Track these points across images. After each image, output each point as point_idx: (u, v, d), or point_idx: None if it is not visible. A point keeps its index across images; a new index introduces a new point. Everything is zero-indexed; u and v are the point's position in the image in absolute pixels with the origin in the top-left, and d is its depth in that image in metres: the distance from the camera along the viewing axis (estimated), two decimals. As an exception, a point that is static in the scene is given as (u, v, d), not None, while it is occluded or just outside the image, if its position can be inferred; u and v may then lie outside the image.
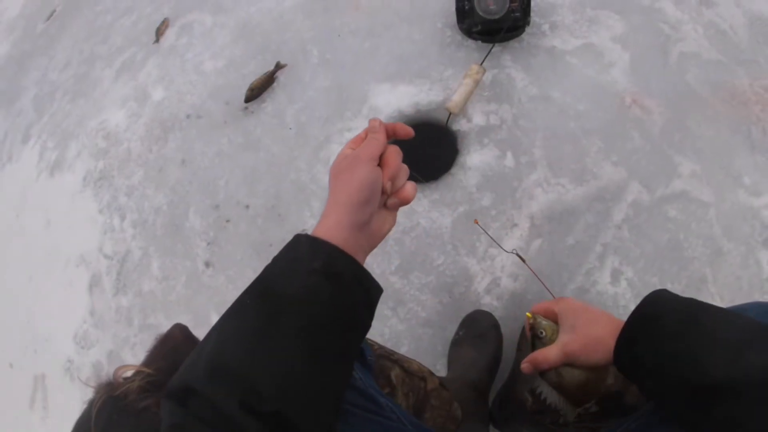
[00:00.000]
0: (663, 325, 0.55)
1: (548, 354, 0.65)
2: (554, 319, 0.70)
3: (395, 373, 0.82)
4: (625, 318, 0.61)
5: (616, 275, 1.20)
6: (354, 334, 0.54)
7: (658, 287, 1.08)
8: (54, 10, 3.14)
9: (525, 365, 0.68)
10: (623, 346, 0.58)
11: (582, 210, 1.27)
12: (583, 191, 1.29)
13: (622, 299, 1.17)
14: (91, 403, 0.61)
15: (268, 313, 0.49)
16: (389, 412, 0.64)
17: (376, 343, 0.85)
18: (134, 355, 1.62)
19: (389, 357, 0.85)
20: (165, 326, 1.60)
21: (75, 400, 1.68)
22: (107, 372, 1.47)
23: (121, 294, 1.74)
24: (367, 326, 0.56)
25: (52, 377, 1.81)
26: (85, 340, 1.77)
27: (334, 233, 0.54)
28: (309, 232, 0.57)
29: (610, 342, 0.59)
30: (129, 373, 0.64)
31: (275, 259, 0.55)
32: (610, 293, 1.17)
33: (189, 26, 2.20)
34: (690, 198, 1.27)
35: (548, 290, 0.89)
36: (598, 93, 1.44)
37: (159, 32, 2.23)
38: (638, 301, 0.59)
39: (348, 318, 0.52)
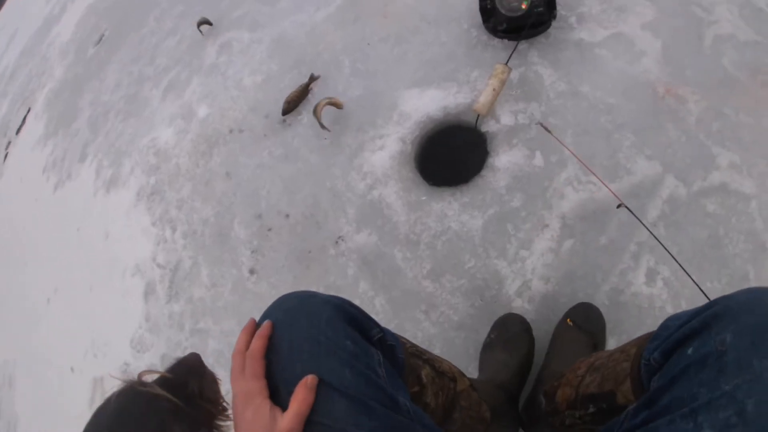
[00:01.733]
0: None
1: None
2: None
3: (425, 372, 0.88)
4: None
5: (651, 275, 1.19)
6: None
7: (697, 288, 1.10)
8: (102, 35, 3.42)
9: None
10: None
11: (615, 208, 1.24)
12: (616, 188, 1.27)
13: (658, 300, 1.16)
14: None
15: None
16: (405, 411, 0.67)
17: (408, 341, 0.88)
18: None
19: (420, 356, 0.91)
20: (213, 330, 1.76)
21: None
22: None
23: (173, 301, 1.89)
24: None
25: (110, 379, 1.99)
26: (141, 345, 1.92)
27: None
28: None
29: None
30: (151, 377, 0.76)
31: None
32: (646, 294, 1.16)
33: (228, 44, 2.36)
34: (729, 191, 1.23)
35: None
36: (629, 85, 1.44)
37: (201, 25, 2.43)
38: (677, 302, 0.59)
39: None
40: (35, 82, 3.93)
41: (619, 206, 1.09)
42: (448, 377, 0.92)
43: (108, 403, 0.72)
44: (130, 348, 1.94)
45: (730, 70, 1.37)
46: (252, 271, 1.73)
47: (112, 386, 0.76)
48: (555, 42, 1.57)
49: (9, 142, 3.66)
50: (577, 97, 1.46)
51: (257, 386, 0.63)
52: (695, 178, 1.27)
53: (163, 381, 0.74)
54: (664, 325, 0.65)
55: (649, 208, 1.25)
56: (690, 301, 1.11)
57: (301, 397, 0.60)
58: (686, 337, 0.58)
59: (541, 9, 1.50)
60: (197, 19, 2.48)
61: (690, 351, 0.56)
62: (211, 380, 0.81)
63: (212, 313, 1.77)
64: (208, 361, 1.71)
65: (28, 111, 3.65)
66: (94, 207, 2.52)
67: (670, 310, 1.12)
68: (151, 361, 1.87)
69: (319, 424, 0.59)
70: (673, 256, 0.79)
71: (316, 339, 0.65)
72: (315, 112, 1.71)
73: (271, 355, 0.66)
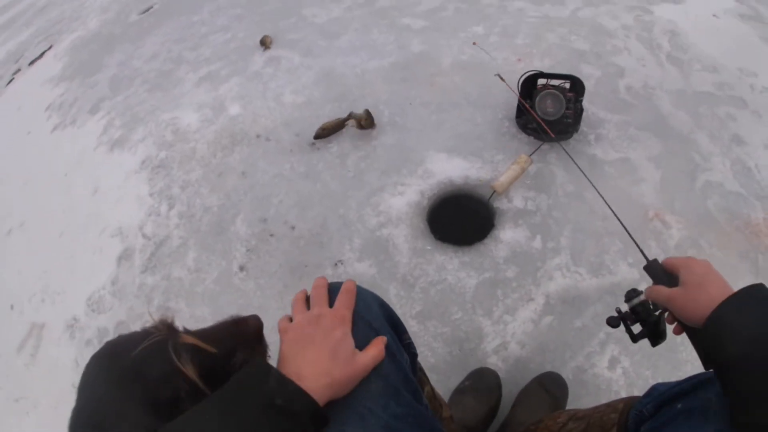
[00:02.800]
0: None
1: (661, 290, 0.77)
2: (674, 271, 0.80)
3: (427, 389, 0.99)
4: None
5: (613, 363, 1.35)
6: None
7: (651, 381, 1.30)
8: (151, 6, 3.57)
9: (649, 289, 0.82)
10: (729, 307, 0.65)
11: (593, 299, 1.47)
12: (598, 283, 1.50)
13: (616, 385, 1.31)
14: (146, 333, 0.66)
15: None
16: (425, 407, 0.77)
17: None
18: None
19: (426, 376, 1.04)
20: (183, 312, 1.81)
21: (68, 357, 1.80)
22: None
23: (149, 273, 1.91)
24: None
25: (52, 329, 1.93)
26: (99, 305, 1.91)
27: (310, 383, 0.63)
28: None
29: (706, 309, 0.66)
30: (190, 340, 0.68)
31: (233, 387, 0.61)
32: (606, 377, 1.33)
33: (277, 59, 2.55)
34: None
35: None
36: (626, 202, 1.70)
37: (265, 42, 2.61)
38: (630, 389, 0.74)
39: None
40: (65, 25, 3.97)
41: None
42: (439, 402, 1.06)
43: (127, 349, 0.63)
44: (85, 305, 1.92)
45: (713, 211, 1.67)
46: (242, 268, 1.81)
47: (143, 322, 0.74)
48: (573, 151, 1.84)
49: (18, 69, 3.64)
50: (581, 200, 1.71)
51: (349, 316, 0.72)
52: (666, 292, 1.51)
53: (197, 353, 0.65)
54: (654, 387, 0.81)
55: (622, 306, 1.44)
56: (642, 390, 1.28)
57: (380, 346, 0.70)
58: (677, 394, 0.73)
59: (570, 120, 1.78)
60: (253, 26, 2.69)
61: (680, 405, 0.71)
62: (262, 353, 0.74)
63: (188, 296, 1.80)
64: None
65: (49, 48, 3.67)
66: (91, 160, 2.53)
67: (624, 395, 1.30)
68: (105, 324, 1.85)
69: (353, 396, 0.67)
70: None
71: (368, 322, 0.75)
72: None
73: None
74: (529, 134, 1.90)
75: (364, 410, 0.67)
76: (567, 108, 1.80)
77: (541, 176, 1.78)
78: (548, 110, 1.80)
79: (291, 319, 0.75)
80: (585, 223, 1.64)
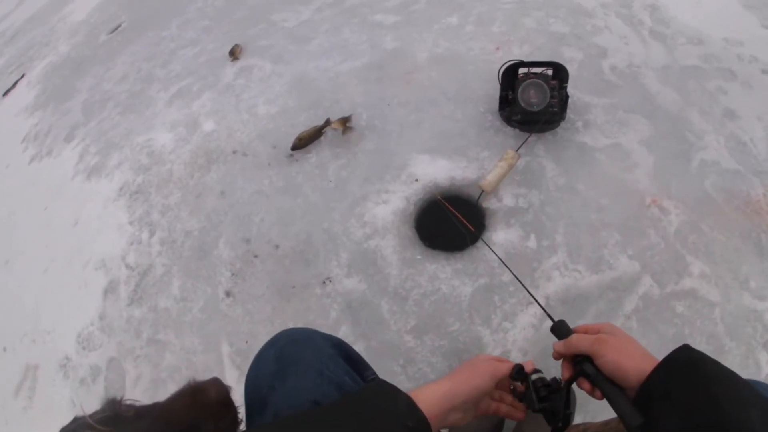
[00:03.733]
0: (703, 371, 0.61)
1: (581, 339, 0.73)
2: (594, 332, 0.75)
3: None
4: None
5: None
6: None
7: None
8: (119, 25, 3.48)
9: (558, 345, 0.77)
10: (658, 375, 0.63)
11: (595, 297, 1.42)
12: (598, 279, 1.44)
13: None
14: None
15: None
16: None
17: None
18: (136, 366, 1.72)
19: None
20: (173, 344, 1.75)
21: (63, 398, 1.76)
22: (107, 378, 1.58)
23: (135, 305, 1.86)
24: None
25: (45, 370, 1.88)
26: (89, 342, 1.86)
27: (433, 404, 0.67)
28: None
29: (632, 371, 0.65)
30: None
31: (366, 403, 0.65)
32: None
33: (248, 69, 2.47)
34: (697, 296, 1.41)
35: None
36: (620, 190, 1.63)
37: (235, 53, 2.53)
38: None
39: None
40: (36, 51, 3.89)
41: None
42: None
43: None
44: (75, 343, 1.88)
45: (711, 192, 1.60)
46: (228, 294, 1.75)
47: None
48: (561, 140, 1.78)
49: (-7, 101, 3.57)
50: (574, 192, 1.64)
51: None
52: (669, 281, 1.44)
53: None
54: None
55: (626, 301, 1.41)
56: None
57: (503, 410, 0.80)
58: None
59: (555, 109, 1.71)
60: (221, 36, 2.60)
61: None
62: (231, 423, 0.69)
63: (176, 326, 1.75)
64: (161, 376, 1.68)
65: (22, 76, 3.59)
66: (69, 190, 2.47)
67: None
68: (96, 362, 1.80)
69: None
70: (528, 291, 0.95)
71: (321, 371, 0.73)
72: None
73: (276, 381, 0.74)
74: (514, 127, 1.83)
75: None
76: (551, 97, 1.72)
77: (530, 171, 1.71)
78: (532, 101, 1.72)
79: None
80: (579, 216, 1.57)
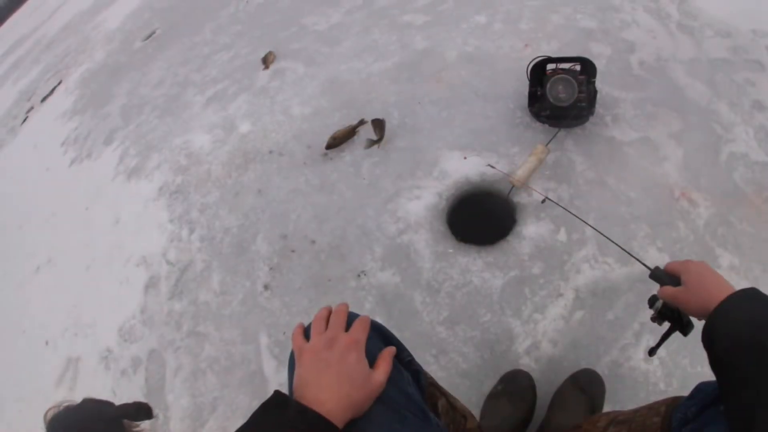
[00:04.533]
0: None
1: (667, 290, 0.86)
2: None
3: (442, 403, 0.99)
4: None
5: None
6: None
7: (689, 370, 1.26)
8: (153, 32, 3.63)
9: (659, 291, 0.88)
10: (726, 308, 0.71)
11: (624, 289, 1.44)
12: (627, 272, 1.47)
13: (653, 377, 1.28)
14: None
15: None
16: (434, 424, 0.78)
17: (428, 373, 0.99)
18: (176, 358, 1.81)
19: (438, 388, 1.03)
20: (213, 336, 1.84)
21: (105, 388, 1.85)
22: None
23: (176, 299, 1.95)
24: None
25: (87, 362, 1.99)
26: (131, 335, 1.96)
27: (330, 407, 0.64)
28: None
29: (706, 303, 0.74)
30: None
31: (263, 413, 0.65)
32: (642, 369, 1.30)
33: (282, 72, 2.56)
34: None
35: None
36: (649, 183, 1.65)
37: (267, 61, 2.62)
38: (669, 380, 0.76)
39: None
40: (72, 58, 4.09)
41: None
42: (460, 414, 1.04)
43: None
44: (117, 335, 1.98)
45: (740, 184, 1.61)
46: (266, 287, 1.83)
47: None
48: (590, 135, 1.81)
49: (31, 107, 3.77)
50: (603, 186, 1.67)
51: (363, 340, 0.75)
52: (698, 274, 1.46)
53: None
54: (698, 389, 0.80)
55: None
56: (681, 381, 1.27)
57: (388, 360, 0.75)
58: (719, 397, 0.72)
59: (584, 104, 1.74)
60: (255, 41, 2.71)
61: (722, 408, 0.70)
62: None
63: (215, 319, 1.83)
64: (201, 367, 1.76)
65: (59, 83, 3.78)
66: (110, 190, 2.60)
67: (663, 387, 1.26)
68: (137, 353, 1.90)
69: (358, 427, 0.69)
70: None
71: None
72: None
73: None
74: (543, 122, 1.86)
75: None
76: (580, 92, 1.75)
77: (560, 165, 1.74)
78: (560, 96, 1.76)
79: (306, 333, 0.78)
80: (609, 210, 1.60)
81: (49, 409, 0.95)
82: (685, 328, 0.90)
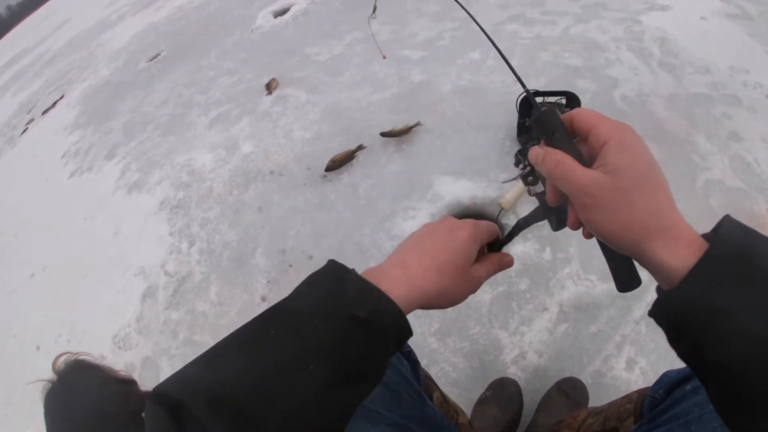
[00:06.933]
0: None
1: (576, 171, 0.51)
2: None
3: (436, 395, 1.07)
4: None
5: (630, 364, 1.41)
6: (372, 384, 0.54)
7: None
8: (159, 54, 3.79)
9: (539, 155, 0.55)
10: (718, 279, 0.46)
11: (606, 304, 1.55)
12: (609, 288, 1.57)
13: (635, 385, 1.36)
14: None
15: (294, 357, 0.48)
16: (431, 408, 0.85)
17: (424, 368, 1.04)
18: (171, 365, 1.86)
19: (433, 382, 1.13)
20: (209, 345, 1.90)
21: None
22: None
23: (173, 309, 2.03)
24: (383, 373, 0.55)
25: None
26: (125, 342, 2.01)
27: (400, 291, 0.54)
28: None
29: (646, 230, 0.48)
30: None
31: (311, 286, 0.54)
32: (624, 378, 1.41)
33: (285, 98, 2.72)
34: None
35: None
36: None
37: (270, 87, 2.78)
38: None
39: (375, 371, 0.53)
40: (75, 74, 4.22)
41: None
42: (453, 408, 1.14)
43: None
44: (111, 343, 2.02)
45: (715, 208, 1.75)
46: (264, 299, 1.92)
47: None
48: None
49: (32, 119, 3.86)
50: (587, 210, 1.81)
51: (484, 236, 0.65)
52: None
53: None
54: (664, 374, 0.86)
55: (635, 308, 1.54)
56: None
57: (496, 264, 0.67)
58: (685, 377, 0.79)
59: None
60: (259, 67, 2.87)
61: (688, 387, 0.77)
62: None
63: (212, 328, 1.91)
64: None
65: (61, 97, 3.90)
66: (110, 203, 2.70)
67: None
68: (131, 360, 1.95)
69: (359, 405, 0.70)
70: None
71: None
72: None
73: None
74: (530, 151, 2.02)
75: (371, 412, 0.70)
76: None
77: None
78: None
79: None
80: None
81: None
82: (558, 224, 0.64)
